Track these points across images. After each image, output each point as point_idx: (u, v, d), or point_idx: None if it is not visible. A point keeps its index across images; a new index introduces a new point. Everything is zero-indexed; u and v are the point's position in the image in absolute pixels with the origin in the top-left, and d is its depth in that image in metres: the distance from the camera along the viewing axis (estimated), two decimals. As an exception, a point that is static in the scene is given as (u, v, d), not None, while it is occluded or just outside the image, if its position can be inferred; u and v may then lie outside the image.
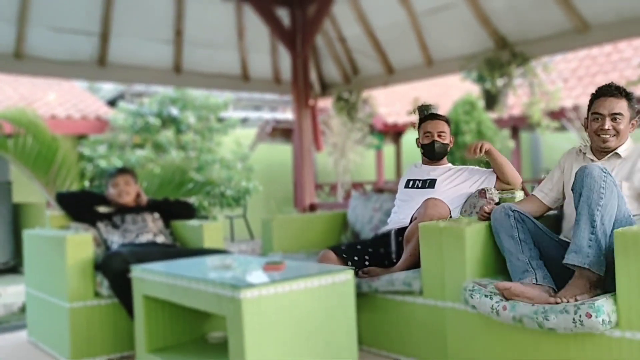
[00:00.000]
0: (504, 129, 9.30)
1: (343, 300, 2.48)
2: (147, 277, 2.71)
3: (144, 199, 3.76)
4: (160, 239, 3.57)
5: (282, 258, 3.04)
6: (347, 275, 2.50)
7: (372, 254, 3.15)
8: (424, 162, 3.31)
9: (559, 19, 4.17)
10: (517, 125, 9.65)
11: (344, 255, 3.06)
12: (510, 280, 2.47)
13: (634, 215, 2.42)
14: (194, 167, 7.81)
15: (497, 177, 3.08)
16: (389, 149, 11.68)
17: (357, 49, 5.73)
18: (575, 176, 2.35)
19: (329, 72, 6.20)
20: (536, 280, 2.37)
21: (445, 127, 3.18)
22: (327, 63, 6.14)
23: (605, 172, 2.29)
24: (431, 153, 3.20)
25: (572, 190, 2.38)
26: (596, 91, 2.59)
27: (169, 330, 2.85)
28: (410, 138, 11.32)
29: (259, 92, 7.19)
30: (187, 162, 7.56)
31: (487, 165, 3.15)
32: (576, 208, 2.32)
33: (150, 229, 3.58)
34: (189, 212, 3.89)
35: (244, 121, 11.51)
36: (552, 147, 10.58)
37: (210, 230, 3.60)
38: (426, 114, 3.28)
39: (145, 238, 3.51)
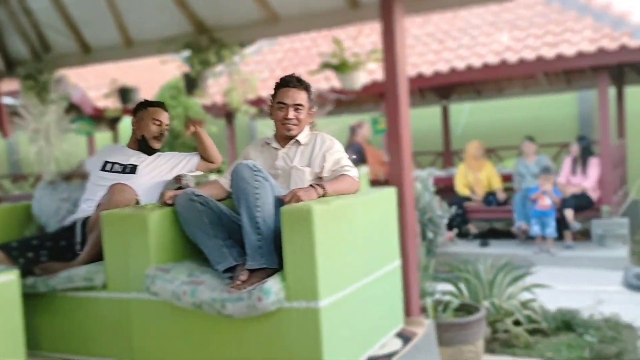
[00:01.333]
0: (217, 116, 9.48)
1: (5, 305, 2.18)
2: None
3: None
4: None
5: None
6: (9, 276, 2.21)
7: (52, 249, 2.87)
8: (129, 146, 3.12)
9: (251, 8, 4.32)
10: (231, 112, 9.95)
11: (14, 253, 2.71)
12: (208, 262, 2.47)
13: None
14: None
15: (203, 157, 3.08)
16: (104, 135, 10.93)
17: (46, 23, 5.13)
18: (232, 178, 2.42)
19: (15, 48, 5.45)
20: (235, 260, 2.40)
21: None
22: (12, 38, 5.38)
23: (254, 170, 2.36)
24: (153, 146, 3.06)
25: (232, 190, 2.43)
26: (280, 81, 2.71)
27: None
28: (127, 124, 10.78)
29: None
30: None
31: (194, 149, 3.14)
32: (239, 211, 2.38)
33: None
34: None
35: None
36: (265, 133, 11.22)
37: None
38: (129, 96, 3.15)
39: None
